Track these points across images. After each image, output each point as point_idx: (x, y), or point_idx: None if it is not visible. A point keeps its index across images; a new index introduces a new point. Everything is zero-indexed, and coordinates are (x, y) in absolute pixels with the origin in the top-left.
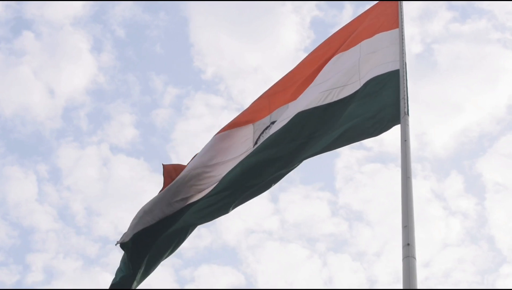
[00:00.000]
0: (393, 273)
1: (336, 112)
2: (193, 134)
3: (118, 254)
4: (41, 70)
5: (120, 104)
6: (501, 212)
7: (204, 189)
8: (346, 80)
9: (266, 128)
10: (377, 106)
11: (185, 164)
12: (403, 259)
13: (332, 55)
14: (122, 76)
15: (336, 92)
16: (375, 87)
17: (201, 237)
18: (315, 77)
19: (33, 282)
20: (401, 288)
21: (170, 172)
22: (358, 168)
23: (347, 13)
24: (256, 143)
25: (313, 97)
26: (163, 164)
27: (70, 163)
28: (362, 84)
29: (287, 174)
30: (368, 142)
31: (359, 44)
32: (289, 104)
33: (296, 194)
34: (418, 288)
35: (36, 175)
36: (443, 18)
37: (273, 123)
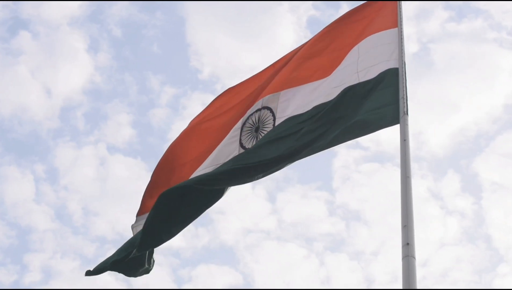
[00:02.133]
0: (391, 273)
1: (332, 110)
2: None
3: None
4: (38, 70)
5: (117, 103)
6: (498, 211)
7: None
8: (344, 79)
9: (256, 112)
10: (376, 104)
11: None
12: (402, 258)
13: (330, 51)
14: (119, 76)
15: (335, 91)
16: (375, 85)
17: (198, 236)
18: (312, 70)
19: (31, 282)
20: (401, 287)
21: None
22: (355, 168)
23: (344, 13)
24: (243, 126)
25: (312, 98)
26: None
27: (67, 163)
28: (361, 80)
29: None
30: (365, 141)
31: (357, 45)
32: (281, 92)
33: (293, 194)
34: (417, 287)
35: (33, 175)
36: (440, 17)
37: (265, 108)
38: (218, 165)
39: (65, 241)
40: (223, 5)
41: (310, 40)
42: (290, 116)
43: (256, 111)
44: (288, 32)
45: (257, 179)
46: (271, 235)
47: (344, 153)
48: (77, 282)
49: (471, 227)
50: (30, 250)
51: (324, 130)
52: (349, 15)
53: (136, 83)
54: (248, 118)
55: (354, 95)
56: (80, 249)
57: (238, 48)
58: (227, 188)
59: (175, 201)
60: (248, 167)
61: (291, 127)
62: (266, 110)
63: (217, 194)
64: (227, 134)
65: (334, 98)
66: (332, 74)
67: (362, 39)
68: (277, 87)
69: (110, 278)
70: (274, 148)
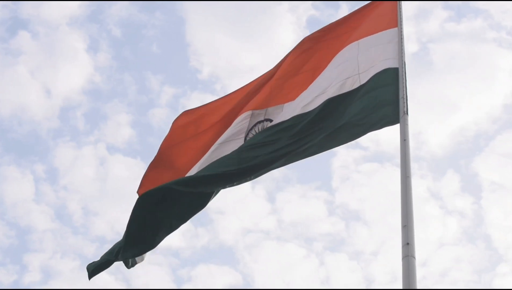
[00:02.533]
0: (390, 273)
1: (334, 109)
2: None
3: None
4: (38, 70)
5: (116, 103)
6: (497, 211)
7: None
8: (345, 77)
9: (258, 122)
10: (376, 103)
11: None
12: (402, 258)
13: (331, 53)
14: (119, 76)
15: (336, 89)
16: (375, 84)
17: (198, 236)
18: (314, 75)
19: (31, 282)
20: (401, 287)
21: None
22: (355, 168)
23: (343, 13)
24: (246, 136)
25: (313, 97)
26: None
27: (67, 163)
28: (362, 82)
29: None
30: (364, 141)
31: (357, 41)
32: (285, 105)
33: (293, 194)
34: (417, 287)
35: (33, 175)
36: (439, 17)
37: (267, 120)
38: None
39: (65, 241)
40: (222, 5)
41: (302, 45)
42: (274, 123)
43: (259, 122)
44: (287, 32)
45: (236, 185)
46: (270, 235)
47: (343, 153)
48: (77, 282)
49: (470, 227)
50: (29, 250)
51: (321, 131)
52: (346, 19)
53: (135, 83)
54: (251, 129)
55: (353, 95)
56: (80, 249)
57: (238, 48)
58: (215, 193)
59: (155, 205)
60: (227, 174)
61: (273, 134)
62: (268, 122)
63: (204, 199)
64: (210, 147)
65: (319, 105)
66: (318, 78)
67: (360, 37)
68: (280, 100)
69: (110, 278)
70: (253, 156)
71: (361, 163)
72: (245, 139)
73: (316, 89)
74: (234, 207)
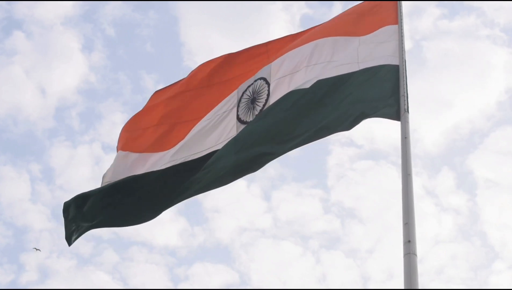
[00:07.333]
0: (386, 270)
1: (330, 90)
2: None
3: (111, 253)
4: (33, 69)
5: (111, 103)
6: (492, 208)
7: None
8: (343, 60)
9: (249, 86)
10: (376, 97)
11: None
12: (404, 256)
13: (326, 34)
14: (113, 75)
15: (331, 68)
16: (374, 77)
17: (194, 235)
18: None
19: (28, 281)
20: (401, 284)
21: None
22: (350, 165)
23: (337, 11)
24: (239, 102)
25: (308, 75)
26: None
27: (63, 163)
28: (360, 68)
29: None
30: (359, 139)
31: (358, 37)
32: (272, 64)
33: (288, 192)
34: (419, 285)
35: (29, 175)
36: (432, 15)
37: (259, 79)
38: (218, 144)
39: (61, 241)
40: (216, 5)
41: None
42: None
43: (250, 86)
44: (281, 31)
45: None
46: (266, 234)
47: (338, 151)
48: (74, 281)
49: (466, 224)
50: (26, 249)
51: (317, 116)
52: (345, 14)
53: (130, 83)
54: (243, 94)
55: (350, 81)
56: (76, 248)
57: (232, 47)
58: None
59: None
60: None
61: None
62: (260, 80)
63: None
64: (212, 108)
65: (328, 78)
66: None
67: (361, 34)
68: (267, 61)
69: (107, 277)
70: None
71: (356, 160)
72: (238, 104)
73: (311, 71)
74: (229, 206)
